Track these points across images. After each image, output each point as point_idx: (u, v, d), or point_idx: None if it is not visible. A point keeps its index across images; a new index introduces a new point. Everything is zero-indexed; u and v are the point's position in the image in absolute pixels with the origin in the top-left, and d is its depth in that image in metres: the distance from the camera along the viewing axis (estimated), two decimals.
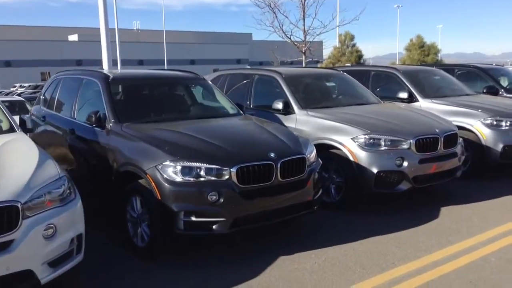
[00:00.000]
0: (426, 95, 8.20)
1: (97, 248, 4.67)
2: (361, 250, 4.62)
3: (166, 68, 62.99)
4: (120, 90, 5.74)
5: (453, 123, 7.43)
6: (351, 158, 5.75)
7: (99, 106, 5.31)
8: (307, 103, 6.73)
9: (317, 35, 15.65)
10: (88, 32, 73.27)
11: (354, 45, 23.51)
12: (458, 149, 6.25)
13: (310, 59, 16.84)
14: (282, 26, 15.62)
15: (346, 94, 7.65)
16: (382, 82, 8.95)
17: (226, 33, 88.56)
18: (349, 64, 17.09)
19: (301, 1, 15.30)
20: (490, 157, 7.26)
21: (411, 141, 5.73)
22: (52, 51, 62.28)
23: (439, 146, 5.93)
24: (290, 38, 15.94)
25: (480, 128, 7.31)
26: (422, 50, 22.88)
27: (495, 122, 7.29)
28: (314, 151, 5.17)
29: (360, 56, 23.10)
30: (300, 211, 4.77)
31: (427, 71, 9.42)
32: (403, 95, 8.15)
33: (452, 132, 6.16)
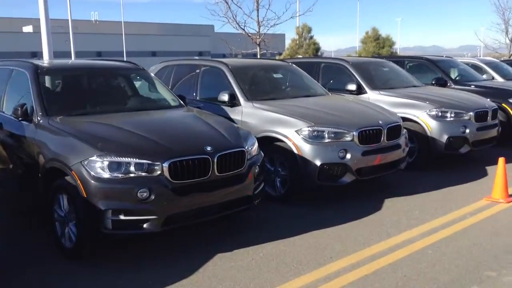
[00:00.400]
0: (374, 87, 8.21)
1: (25, 250, 4.42)
2: (301, 244, 4.53)
3: (125, 60, 61.82)
4: (50, 81, 5.43)
5: (400, 114, 7.48)
6: (295, 151, 5.66)
7: (28, 98, 5.00)
8: (253, 95, 6.59)
9: (271, 26, 15.59)
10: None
11: (311, 37, 23.50)
12: (402, 140, 6.26)
13: (265, 51, 16.69)
14: (236, 16, 15.42)
15: (293, 86, 7.55)
16: (332, 74, 8.92)
17: (188, 25, 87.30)
18: (301, 56, 17.11)
19: None
20: (435, 148, 7.34)
21: (354, 133, 5.68)
22: (6, 43, 59.81)
23: (382, 138, 5.91)
24: (243, 29, 15.77)
25: (426, 120, 7.38)
26: (377, 43, 23.11)
27: (440, 114, 7.36)
28: (256, 144, 5.03)
29: (317, 49, 23.08)
30: (239, 206, 4.64)
31: (376, 63, 9.45)
32: (352, 87, 8.12)
33: (396, 124, 6.15)
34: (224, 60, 7.21)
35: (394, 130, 6.09)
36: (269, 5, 15.31)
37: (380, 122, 5.97)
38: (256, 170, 4.77)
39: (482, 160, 8.02)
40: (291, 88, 7.38)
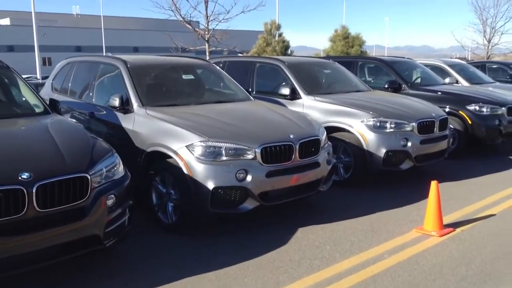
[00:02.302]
0: (310, 92, 7.20)
1: None
2: None
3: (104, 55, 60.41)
4: None
5: (334, 124, 6.61)
6: (185, 170, 4.61)
7: None
8: (151, 100, 5.53)
9: (219, 21, 14.53)
10: (22, 16, 69.03)
11: (280, 34, 22.36)
12: (322, 157, 5.23)
13: (215, 48, 15.55)
14: (179, 10, 14.30)
15: (206, 89, 6.49)
16: (267, 75, 7.91)
17: (171, 20, 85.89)
18: (241, 55, 16.04)
19: None
20: (372, 163, 6.36)
21: (256, 150, 4.65)
22: None
23: (293, 155, 4.89)
24: (189, 24, 14.67)
25: (362, 131, 6.39)
26: (346, 42, 22.05)
27: (378, 124, 6.38)
28: (117, 165, 3.97)
29: (287, 47, 21.98)
30: (79, 250, 3.58)
31: (318, 64, 8.45)
32: (285, 91, 7.13)
33: (312, 138, 5.11)
34: (123, 57, 6.13)
35: (310, 146, 5.07)
36: None
37: (292, 136, 4.93)
38: (112, 200, 3.72)
39: (430, 177, 7.05)
40: (203, 92, 6.31)
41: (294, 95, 7.17)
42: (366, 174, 6.50)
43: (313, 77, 7.76)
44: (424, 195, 5.93)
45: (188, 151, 4.63)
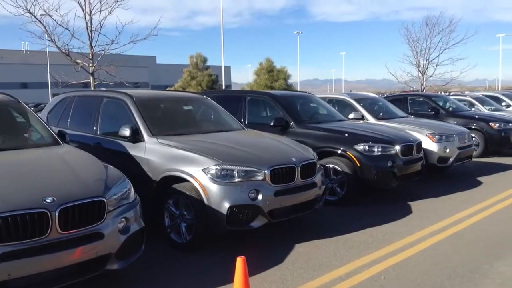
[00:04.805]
0: (156, 132, 5.92)
1: None
2: None
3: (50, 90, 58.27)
4: None
5: (174, 172, 5.33)
6: None
7: None
8: None
9: (104, 52, 13.26)
10: None
11: (207, 68, 21.24)
12: (111, 226, 3.86)
13: (100, 81, 14.20)
14: (54, 38, 12.93)
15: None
16: (113, 112, 6.62)
17: (126, 55, 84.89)
18: (104, 89, 14.82)
19: (82, 9, 12.70)
20: (215, 222, 5.07)
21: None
22: None
23: (50, 227, 3.51)
24: (68, 54, 13.34)
25: (202, 181, 5.12)
26: (271, 75, 21.07)
27: (221, 172, 5.12)
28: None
29: (213, 81, 20.81)
30: None
31: (179, 100, 7.17)
32: (125, 131, 5.84)
33: (88, 200, 3.75)
34: None
35: (83, 212, 3.72)
36: (101, 27, 12.93)
37: (49, 200, 3.56)
38: None
39: (294, 235, 5.85)
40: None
41: (136, 137, 5.88)
42: (209, 235, 5.21)
43: (167, 116, 6.50)
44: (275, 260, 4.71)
45: None
